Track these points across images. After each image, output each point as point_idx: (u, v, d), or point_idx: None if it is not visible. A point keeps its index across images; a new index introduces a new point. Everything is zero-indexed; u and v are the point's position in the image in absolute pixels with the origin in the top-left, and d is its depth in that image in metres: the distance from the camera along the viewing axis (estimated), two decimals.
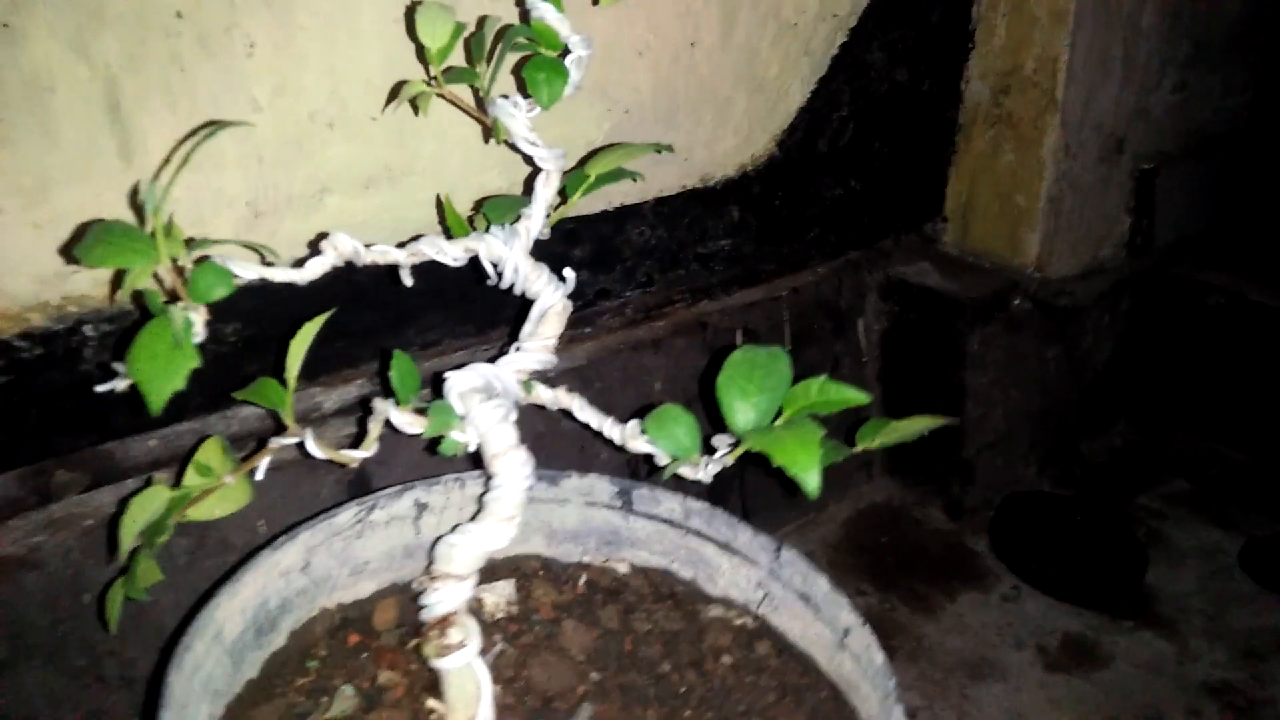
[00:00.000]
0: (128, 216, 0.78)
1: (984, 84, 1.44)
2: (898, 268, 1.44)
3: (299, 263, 0.61)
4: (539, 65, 0.68)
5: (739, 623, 0.83)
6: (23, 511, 0.78)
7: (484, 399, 0.65)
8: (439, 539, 0.66)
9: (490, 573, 0.81)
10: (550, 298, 0.72)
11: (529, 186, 0.77)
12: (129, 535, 0.59)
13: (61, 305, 0.78)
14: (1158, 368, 1.69)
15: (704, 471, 0.63)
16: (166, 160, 0.76)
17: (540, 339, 0.72)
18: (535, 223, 0.73)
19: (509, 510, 0.64)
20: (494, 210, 0.74)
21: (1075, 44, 1.34)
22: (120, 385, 0.55)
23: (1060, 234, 1.46)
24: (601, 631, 0.79)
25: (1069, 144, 1.41)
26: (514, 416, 0.66)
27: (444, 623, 0.64)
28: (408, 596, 0.78)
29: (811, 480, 0.52)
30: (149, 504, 0.59)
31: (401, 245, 0.67)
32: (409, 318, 1.00)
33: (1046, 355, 1.49)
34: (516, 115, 0.70)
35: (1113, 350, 1.61)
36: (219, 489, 0.63)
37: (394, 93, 0.85)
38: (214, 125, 0.59)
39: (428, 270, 1.00)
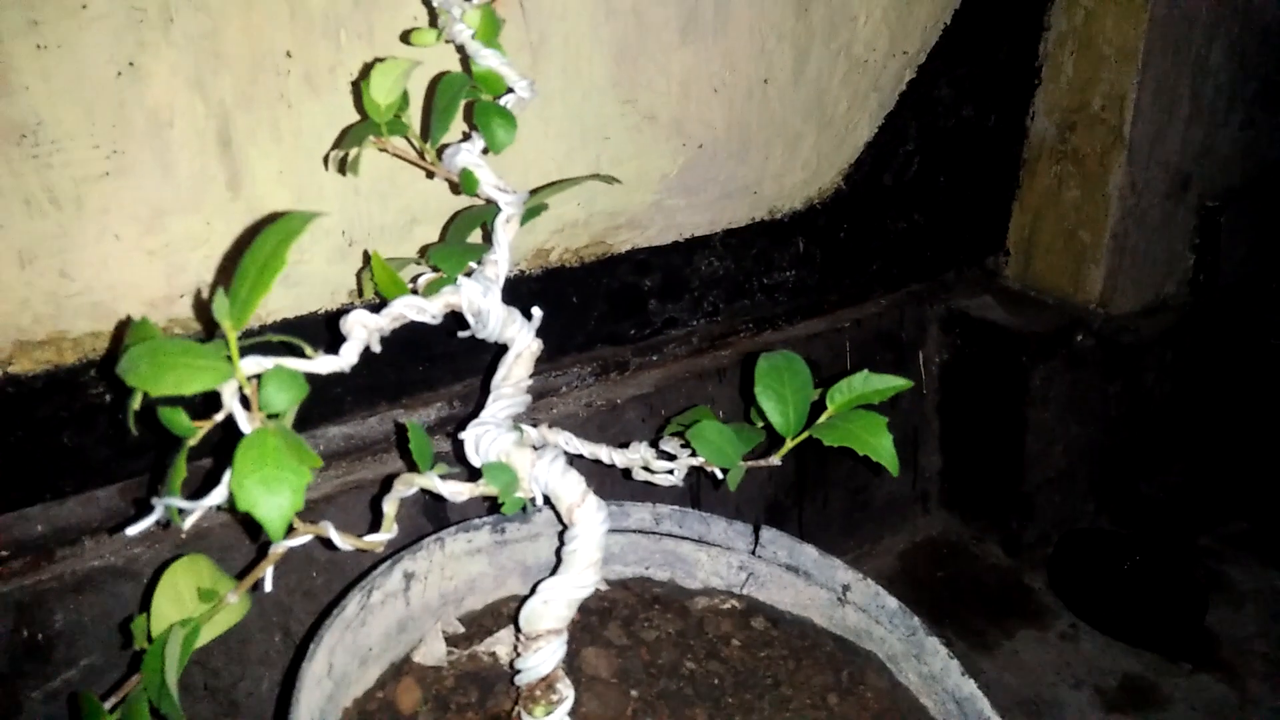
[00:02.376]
0: (237, 240, 0.81)
1: (1050, 120, 1.45)
2: (960, 301, 1.45)
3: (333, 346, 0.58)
4: (488, 112, 0.68)
5: (727, 606, 0.86)
6: (124, 524, 0.82)
7: (537, 454, 0.65)
8: (524, 601, 0.66)
9: (480, 626, 0.81)
10: (524, 341, 0.71)
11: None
12: (167, 691, 0.55)
13: (168, 328, 0.81)
14: (1220, 406, 1.67)
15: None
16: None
17: (513, 382, 0.71)
18: (503, 268, 0.71)
19: (592, 555, 0.65)
20: (446, 260, 0.69)
21: (1143, 82, 1.35)
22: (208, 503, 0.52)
23: (1124, 271, 1.46)
24: (617, 650, 0.81)
25: (1135, 181, 1.41)
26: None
27: (547, 681, 0.65)
28: (416, 674, 0.76)
29: (892, 460, 0.65)
30: (168, 652, 0.55)
31: (378, 309, 0.63)
32: (486, 344, 1.03)
33: (1108, 392, 1.48)
34: (483, 165, 0.71)
35: (1175, 388, 1.60)
36: (224, 610, 0.59)
37: (338, 142, 0.82)
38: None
39: (505, 298, 1.03)
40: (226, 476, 0.48)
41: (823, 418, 0.68)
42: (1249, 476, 1.66)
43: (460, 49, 0.71)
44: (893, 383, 0.67)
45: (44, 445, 0.79)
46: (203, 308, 0.83)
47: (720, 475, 0.74)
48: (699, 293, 1.20)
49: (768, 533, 0.87)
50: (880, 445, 0.65)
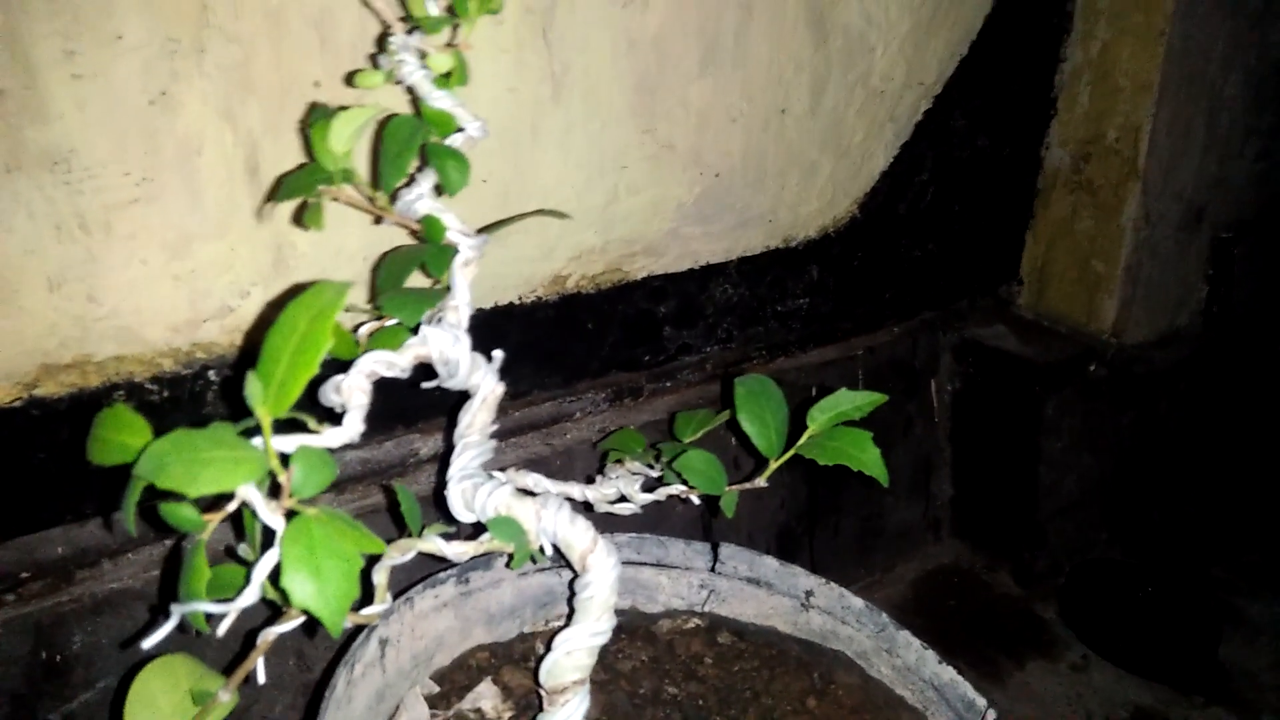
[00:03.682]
0: (261, 266, 0.82)
1: (1064, 151, 1.45)
2: (973, 329, 1.45)
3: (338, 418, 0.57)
4: (440, 155, 0.67)
5: (691, 625, 0.87)
6: (141, 547, 0.82)
7: (539, 503, 0.64)
8: (541, 659, 0.65)
9: (452, 682, 0.80)
10: (489, 386, 0.68)
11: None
12: None
13: (191, 351, 0.82)
14: (1233, 437, 1.67)
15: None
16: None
17: (479, 429, 0.68)
18: (465, 312, 0.69)
19: (608, 600, 0.64)
20: (401, 308, 0.65)
21: (1159, 114, 1.35)
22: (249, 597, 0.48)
23: (1138, 301, 1.46)
24: (598, 686, 0.80)
25: (1149, 212, 1.41)
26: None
27: None
28: None
29: (880, 471, 0.68)
30: None
31: (348, 365, 0.61)
32: (503, 370, 1.04)
33: (1121, 422, 1.48)
34: (445, 210, 0.69)
35: (1188, 419, 1.60)
36: (215, 708, 0.54)
37: (274, 190, 0.80)
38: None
39: (523, 324, 1.04)
40: (260, 568, 0.46)
41: (804, 437, 0.71)
42: (1262, 508, 1.65)
43: (410, 90, 0.69)
44: (870, 398, 0.70)
45: (66, 468, 0.80)
46: (230, 329, 0.84)
47: (696, 500, 0.78)
48: (713, 320, 1.21)
49: (727, 549, 0.88)
50: (868, 458, 0.69)
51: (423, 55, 0.68)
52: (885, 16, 1.16)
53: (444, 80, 0.69)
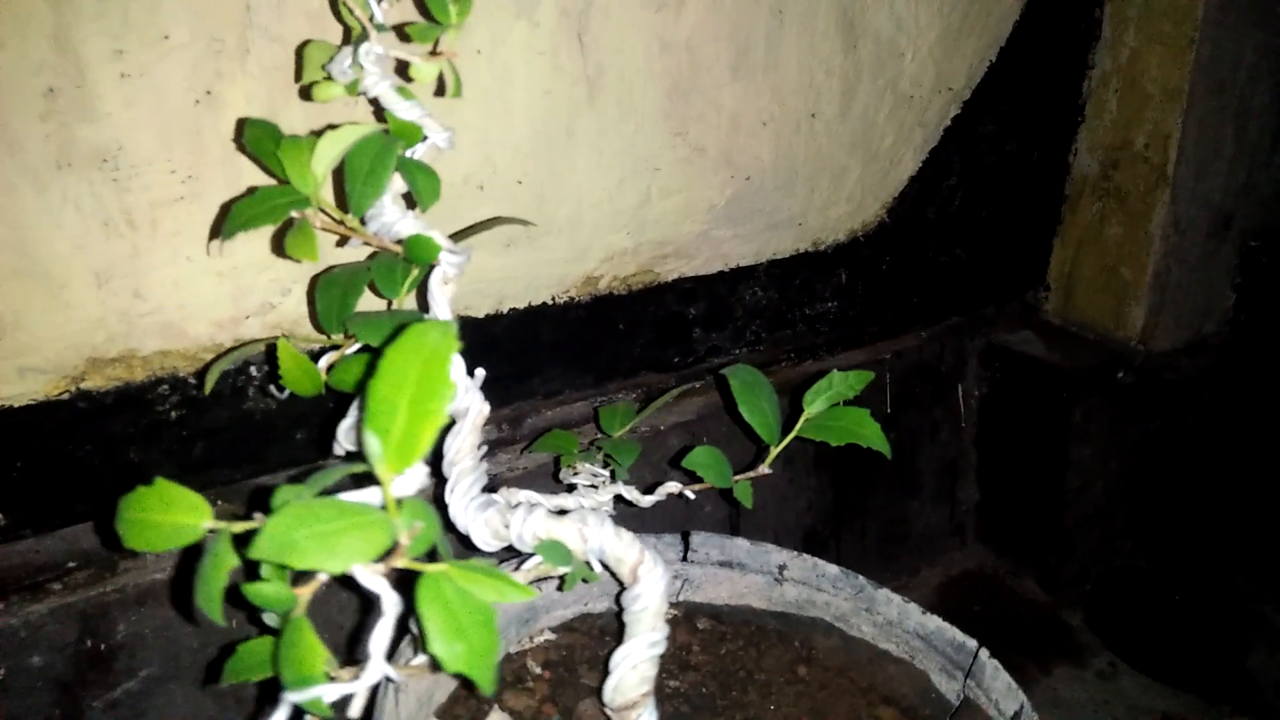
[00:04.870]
0: (302, 264, 0.84)
1: (1092, 157, 1.45)
2: (1000, 335, 1.45)
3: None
4: (410, 169, 0.65)
5: (669, 616, 0.86)
6: None
7: (580, 520, 0.63)
8: (606, 678, 0.65)
9: (453, 716, 0.78)
10: (476, 406, 0.65)
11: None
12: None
13: (234, 347, 0.83)
14: (1261, 446, 1.66)
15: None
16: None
17: (469, 451, 0.65)
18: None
19: (661, 608, 0.64)
20: (374, 332, 0.62)
21: (1188, 121, 1.35)
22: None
23: (1166, 308, 1.46)
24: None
25: (1178, 220, 1.41)
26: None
27: None
28: None
29: (883, 443, 0.72)
30: None
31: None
32: (535, 369, 1.05)
33: (1148, 430, 1.48)
34: (431, 228, 0.66)
35: (1215, 427, 1.59)
36: None
37: (223, 213, 0.78)
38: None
39: (555, 324, 1.05)
40: (379, 638, 0.43)
41: (801, 420, 0.75)
42: None
43: (374, 101, 0.66)
44: (860, 376, 0.76)
45: (112, 460, 0.81)
46: (272, 325, 0.85)
47: (691, 495, 0.79)
48: (742, 322, 1.21)
49: (698, 537, 0.89)
50: (870, 433, 0.73)
51: (403, 66, 0.65)
52: (915, 22, 1.16)
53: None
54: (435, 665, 0.42)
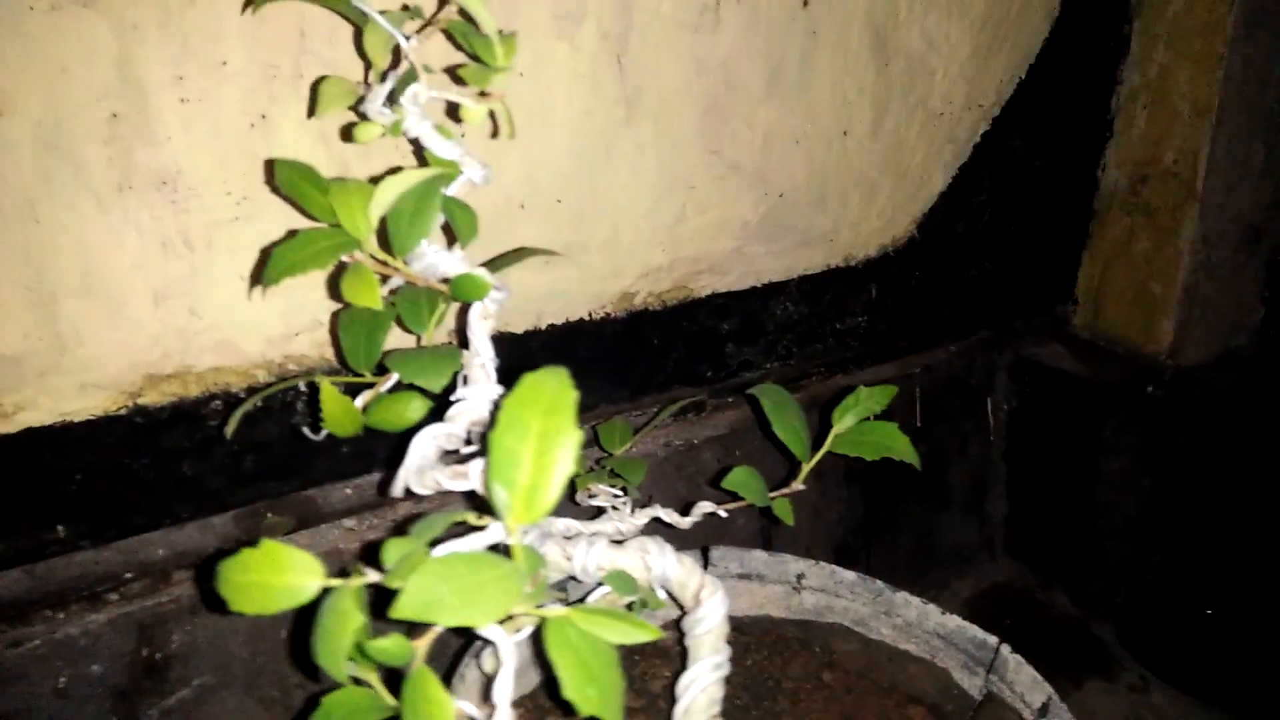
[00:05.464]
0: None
1: (1121, 173, 1.46)
2: (1029, 349, 1.46)
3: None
4: (450, 207, 0.66)
5: None
6: (236, 551, 0.86)
7: (640, 548, 0.64)
8: (676, 702, 0.65)
9: None
10: None
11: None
12: None
13: (284, 363, 0.86)
14: None
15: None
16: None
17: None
18: (493, 371, 0.65)
19: (725, 630, 0.65)
20: (419, 371, 0.61)
21: (1217, 137, 1.36)
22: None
23: (1195, 322, 1.46)
24: (642, 712, 0.81)
25: (1207, 234, 1.41)
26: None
27: None
28: None
29: (913, 456, 0.76)
30: None
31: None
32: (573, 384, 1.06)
33: (1178, 443, 1.48)
34: (479, 268, 0.66)
35: (1245, 441, 1.58)
36: None
37: (262, 266, 0.77)
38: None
39: (592, 339, 1.07)
40: (503, 690, 0.44)
41: (831, 436, 0.78)
42: None
43: (414, 141, 0.67)
44: (885, 390, 0.79)
45: (166, 473, 0.83)
46: (320, 343, 0.87)
47: (724, 514, 0.81)
48: (774, 337, 1.23)
49: (717, 551, 0.90)
50: (901, 446, 0.77)
51: (453, 107, 0.66)
52: (947, 41, 1.18)
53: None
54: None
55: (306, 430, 0.73)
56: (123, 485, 0.82)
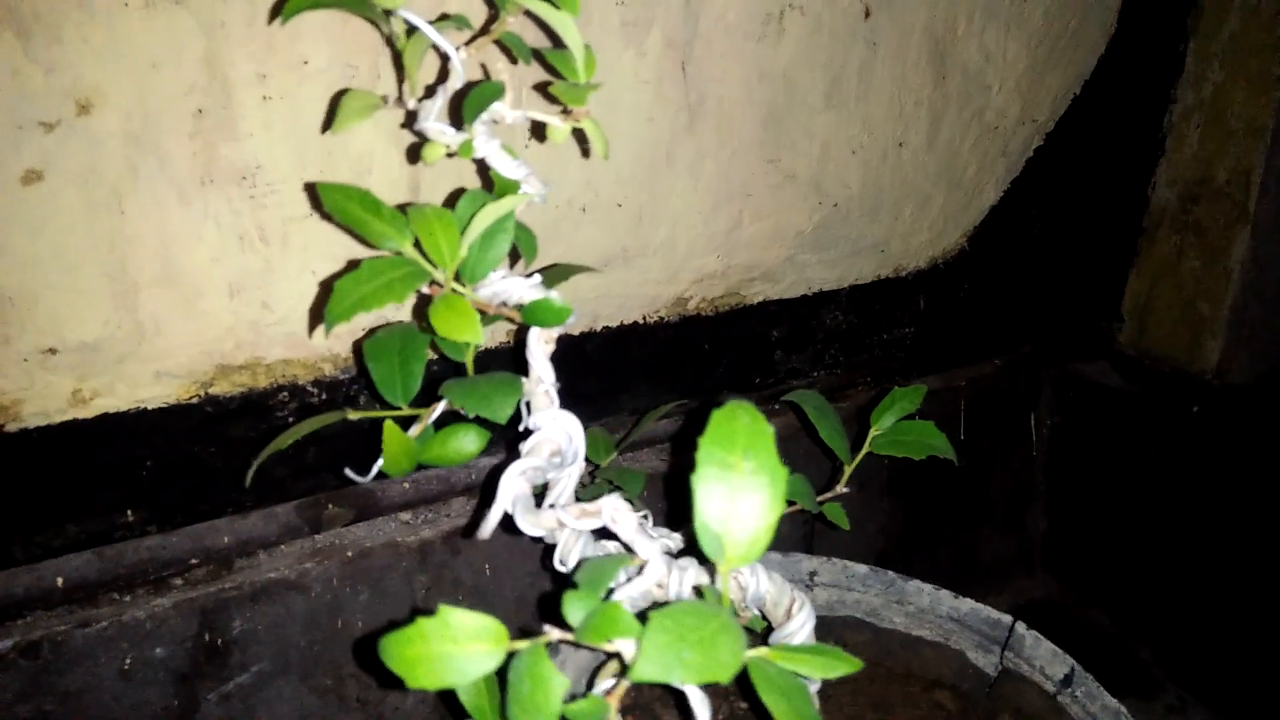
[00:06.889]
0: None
1: (1171, 191, 1.45)
2: (1074, 364, 1.46)
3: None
4: (516, 233, 0.64)
5: None
6: (296, 539, 0.87)
7: (730, 570, 0.63)
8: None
9: None
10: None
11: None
12: None
13: (349, 357, 0.87)
14: None
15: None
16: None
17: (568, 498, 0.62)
18: (555, 396, 0.65)
19: (811, 641, 0.64)
20: (482, 402, 0.60)
21: (1272, 157, 1.35)
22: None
23: (1243, 343, 1.45)
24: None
25: (1258, 255, 1.40)
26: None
27: None
28: None
29: (950, 452, 0.80)
30: None
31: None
32: (624, 386, 1.08)
33: (1223, 464, 1.47)
34: (552, 292, 0.65)
35: None
36: None
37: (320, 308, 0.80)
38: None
39: (645, 343, 1.07)
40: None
41: (870, 437, 0.82)
42: None
43: (479, 161, 0.66)
44: (917, 390, 0.84)
45: (232, 462, 0.85)
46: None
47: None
48: (822, 345, 1.23)
49: None
50: (939, 444, 0.80)
51: (538, 126, 0.66)
52: (1004, 56, 1.18)
53: (512, 150, 0.66)
54: None
55: (349, 472, 0.70)
56: (191, 473, 0.84)
